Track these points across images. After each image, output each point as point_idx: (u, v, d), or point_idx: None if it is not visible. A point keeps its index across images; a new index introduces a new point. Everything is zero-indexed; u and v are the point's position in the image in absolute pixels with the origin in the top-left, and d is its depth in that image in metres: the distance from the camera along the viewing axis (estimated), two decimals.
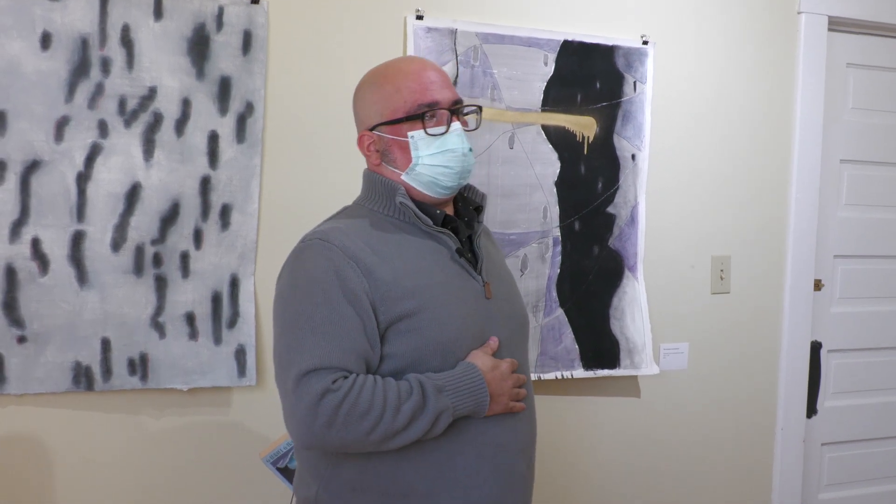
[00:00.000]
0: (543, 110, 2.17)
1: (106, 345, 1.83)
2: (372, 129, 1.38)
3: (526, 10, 2.18)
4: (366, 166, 1.43)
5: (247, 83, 1.91)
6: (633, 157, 2.28)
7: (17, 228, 1.76)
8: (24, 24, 1.73)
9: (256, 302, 1.94)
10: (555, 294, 2.22)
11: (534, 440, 1.44)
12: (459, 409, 1.27)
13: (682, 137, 2.39)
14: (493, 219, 2.13)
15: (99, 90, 1.80)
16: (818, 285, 2.62)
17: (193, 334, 1.89)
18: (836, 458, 2.73)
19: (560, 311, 2.23)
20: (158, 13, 1.83)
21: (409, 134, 1.34)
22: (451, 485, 1.30)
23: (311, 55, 1.99)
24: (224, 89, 1.89)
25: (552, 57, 2.17)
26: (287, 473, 1.74)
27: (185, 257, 1.88)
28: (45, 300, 1.78)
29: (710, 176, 2.44)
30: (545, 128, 2.18)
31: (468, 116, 1.41)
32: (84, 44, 1.78)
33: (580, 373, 2.25)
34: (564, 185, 2.21)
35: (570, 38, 2.19)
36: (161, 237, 1.86)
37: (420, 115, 1.33)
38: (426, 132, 1.34)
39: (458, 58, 2.07)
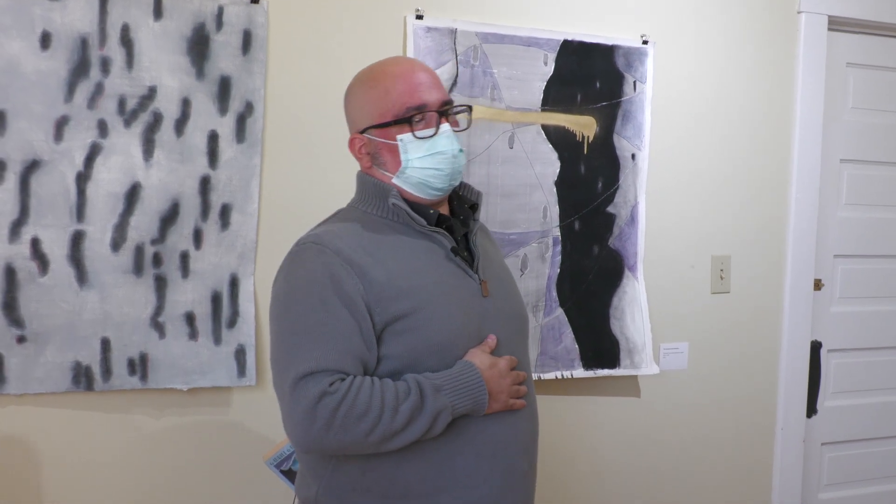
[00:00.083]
0: (543, 110, 2.17)
1: (106, 345, 1.83)
2: (362, 131, 1.37)
3: (526, 10, 2.18)
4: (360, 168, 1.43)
5: (246, 83, 1.91)
6: (633, 156, 2.28)
7: (16, 228, 1.76)
8: (23, 23, 1.73)
9: (256, 302, 1.94)
10: (555, 294, 2.22)
11: (536, 438, 1.44)
12: (458, 407, 1.27)
13: (682, 137, 2.39)
14: (493, 218, 2.13)
15: (98, 90, 1.79)
16: (818, 285, 2.62)
17: (193, 334, 1.89)
18: (836, 458, 2.73)
19: (560, 311, 2.22)
20: (158, 13, 1.83)
21: (398, 137, 1.33)
22: (450, 485, 1.30)
23: (311, 55, 1.99)
24: (224, 89, 1.89)
25: (552, 56, 2.17)
26: (291, 476, 1.73)
27: (184, 257, 1.88)
28: (44, 300, 1.78)
29: (710, 176, 2.44)
30: (545, 127, 2.18)
31: (459, 116, 1.40)
32: (84, 43, 1.78)
33: (580, 372, 2.25)
34: (564, 184, 2.21)
35: (569, 38, 2.19)
36: (161, 237, 1.86)
37: (408, 119, 1.32)
38: (414, 135, 1.32)
39: (458, 57, 2.07)
